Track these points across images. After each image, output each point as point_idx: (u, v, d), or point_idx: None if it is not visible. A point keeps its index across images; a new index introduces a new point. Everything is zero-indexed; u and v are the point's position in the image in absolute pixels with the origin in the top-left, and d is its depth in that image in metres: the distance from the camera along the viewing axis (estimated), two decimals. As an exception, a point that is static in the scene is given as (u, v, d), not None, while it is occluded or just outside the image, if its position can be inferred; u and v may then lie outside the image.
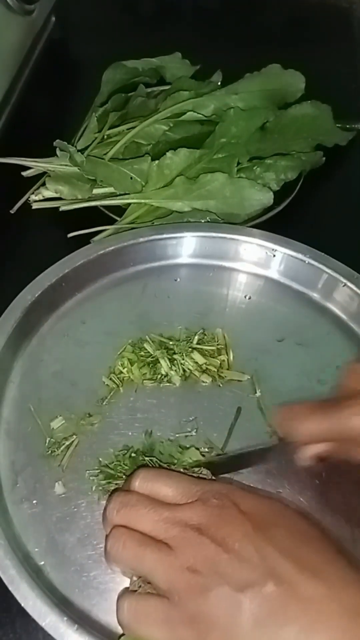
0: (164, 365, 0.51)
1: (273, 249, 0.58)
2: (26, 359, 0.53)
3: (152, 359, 0.52)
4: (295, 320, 0.57)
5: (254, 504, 0.37)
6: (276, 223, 0.63)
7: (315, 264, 0.57)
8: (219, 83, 0.72)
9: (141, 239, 0.58)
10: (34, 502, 0.46)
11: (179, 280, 0.59)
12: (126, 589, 0.38)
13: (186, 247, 0.60)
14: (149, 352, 0.53)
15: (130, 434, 0.49)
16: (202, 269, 0.60)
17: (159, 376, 0.52)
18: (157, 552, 0.35)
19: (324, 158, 0.69)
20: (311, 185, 0.67)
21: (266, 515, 0.36)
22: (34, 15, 0.78)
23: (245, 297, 0.58)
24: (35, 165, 0.66)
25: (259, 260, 0.59)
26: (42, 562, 0.43)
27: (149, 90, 0.74)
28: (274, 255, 0.58)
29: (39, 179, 0.66)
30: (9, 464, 0.47)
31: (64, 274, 0.55)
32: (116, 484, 0.45)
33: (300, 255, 0.57)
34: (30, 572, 0.41)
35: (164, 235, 0.59)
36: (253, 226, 0.62)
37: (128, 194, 0.63)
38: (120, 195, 0.63)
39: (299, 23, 0.96)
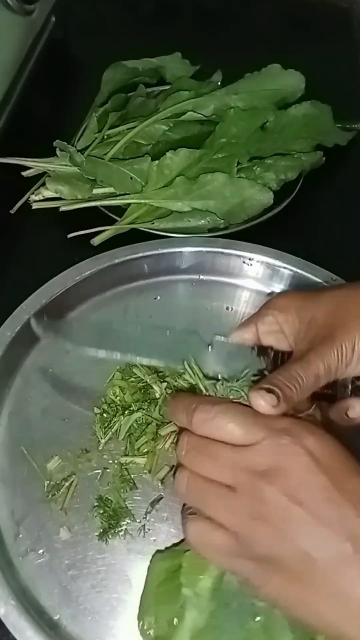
0: (157, 389, 0.49)
1: (250, 258, 0.58)
2: (12, 398, 0.51)
3: (143, 384, 0.50)
4: None
5: (325, 448, 0.34)
6: (276, 223, 0.63)
7: (293, 269, 0.56)
8: (219, 83, 0.72)
9: (116, 260, 0.56)
10: (40, 552, 0.43)
11: (159, 298, 0.58)
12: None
13: (163, 263, 0.59)
14: (139, 377, 0.50)
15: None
16: (182, 284, 0.59)
17: (152, 401, 0.49)
18: (222, 497, 0.35)
19: (324, 158, 0.69)
20: (311, 185, 0.67)
21: (340, 463, 0.34)
22: (34, 15, 0.78)
23: (227, 308, 0.57)
24: (35, 165, 0.66)
25: (236, 271, 0.59)
26: (57, 616, 0.41)
27: (149, 90, 0.74)
28: (251, 265, 0.58)
29: (39, 179, 0.66)
30: (8, 514, 0.45)
31: (42, 305, 0.53)
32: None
33: (276, 262, 0.57)
34: (47, 629, 0.39)
35: (140, 254, 0.57)
36: (253, 226, 0.62)
37: (128, 194, 0.63)
38: (120, 195, 0.63)
39: (299, 23, 0.96)
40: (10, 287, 0.59)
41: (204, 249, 0.58)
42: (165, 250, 0.58)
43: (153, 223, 0.61)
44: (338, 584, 0.32)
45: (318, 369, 0.39)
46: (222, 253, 0.58)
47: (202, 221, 0.61)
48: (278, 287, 0.58)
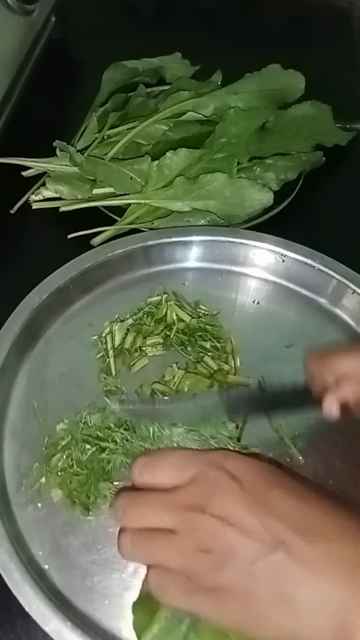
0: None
1: (282, 254, 0.58)
2: (33, 361, 0.53)
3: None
4: (304, 327, 0.56)
5: (247, 469, 0.37)
6: (276, 223, 0.63)
7: (325, 269, 0.57)
8: (219, 83, 0.72)
9: (149, 242, 0.58)
10: (39, 505, 0.46)
11: (187, 284, 0.59)
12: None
13: (194, 251, 0.59)
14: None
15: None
16: (211, 273, 0.60)
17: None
18: (164, 541, 0.36)
19: (324, 158, 0.69)
20: (311, 185, 0.67)
21: (262, 479, 0.37)
22: (34, 15, 0.78)
23: (253, 302, 0.58)
24: (35, 165, 0.66)
25: (268, 265, 0.59)
26: (46, 566, 0.43)
27: (149, 90, 0.74)
28: (283, 261, 0.58)
29: (39, 179, 0.66)
30: (14, 466, 0.48)
31: (72, 276, 0.55)
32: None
33: (309, 261, 0.57)
34: (34, 575, 0.41)
35: (172, 239, 0.58)
36: (253, 226, 0.62)
37: (128, 194, 0.63)
38: (120, 195, 0.63)
39: (299, 23, 0.96)
40: (10, 287, 0.59)
41: (237, 240, 0.58)
42: (197, 238, 0.59)
43: (153, 223, 0.61)
44: (281, 590, 0.33)
45: None
46: (254, 246, 0.58)
47: (202, 221, 0.61)
48: (306, 287, 0.58)
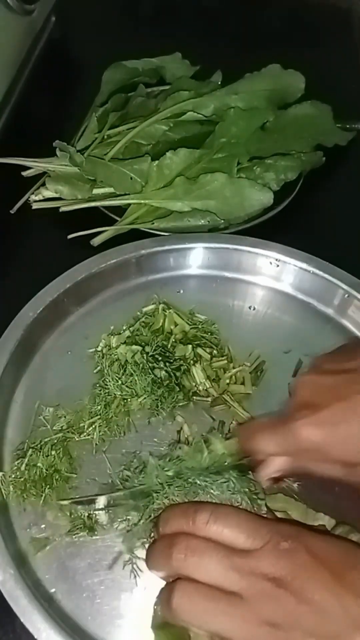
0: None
1: (277, 259, 0.57)
2: (29, 377, 0.52)
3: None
4: (302, 332, 0.56)
5: (326, 546, 0.36)
6: (276, 223, 0.63)
7: (320, 273, 0.56)
8: (219, 83, 0.72)
9: (142, 252, 0.57)
10: (42, 526, 0.45)
11: (182, 291, 0.58)
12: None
13: (189, 258, 0.59)
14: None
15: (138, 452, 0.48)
16: (206, 280, 0.59)
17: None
18: (231, 606, 0.34)
19: (324, 158, 0.69)
20: (311, 185, 0.67)
21: (340, 557, 0.35)
22: (34, 15, 0.78)
23: (250, 308, 0.58)
24: (35, 165, 0.66)
25: (262, 271, 0.59)
26: (53, 590, 0.42)
27: (149, 90, 0.74)
28: (278, 266, 0.58)
29: (39, 179, 0.66)
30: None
31: (66, 288, 0.54)
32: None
33: (304, 265, 0.57)
34: (42, 601, 0.40)
35: (166, 247, 0.58)
36: (253, 226, 0.62)
37: (128, 194, 0.63)
38: (120, 195, 0.63)
39: (299, 23, 0.96)
40: (10, 287, 0.59)
41: (230, 247, 0.58)
42: (192, 245, 0.58)
43: (153, 223, 0.61)
44: None
45: None
46: (248, 252, 0.58)
47: (202, 221, 0.61)
48: (303, 292, 0.58)
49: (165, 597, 0.36)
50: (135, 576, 0.43)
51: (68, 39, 0.91)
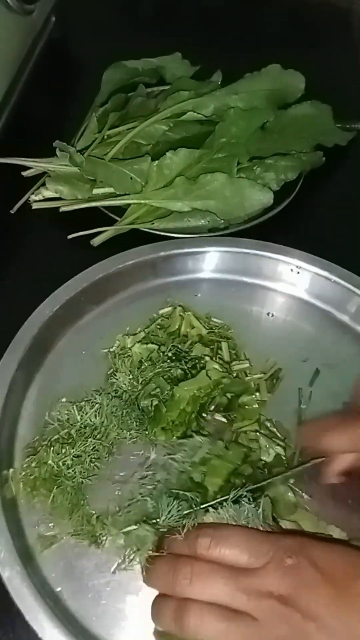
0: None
1: (297, 266, 0.57)
2: (43, 375, 0.52)
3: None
4: (320, 340, 0.55)
5: (330, 557, 0.35)
6: (276, 223, 0.63)
7: (342, 282, 0.55)
8: (219, 83, 0.72)
9: (162, 253, 0.57)
10: (50, 525, 0.44)
11: (199, 295, 0.58)
12: None
13: (207, 261, 0.59)
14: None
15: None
16: (224, 284, 0.59)
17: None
18: (243, 626, 0.34)
19: (324, 158, 0.69)
20: (311, 185, 0.67)
21: (345, 568, 0.35)
22: (34, 15, 0.78)
23: (268, 314, 0.57)
24: (35, 165, 0.66)
25: (282, 277, 0.58)
26: (59, 589, 0.42)
27: (149, 90, 0.74)
28: (298, 272, 0.57)
29: (39, 179, 0.66)
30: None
31: (83, 288, 0.54)
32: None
33: (325, 273, 0.56)
34: (48, 600, 0.40)
35: (185, 250, 0.58)
36: (253, 226, 0.62)
37: (128, 194, 0.63)
38: (120, 195, 0.63)
39: (299, 23, 0.96)
40: (10, 287, 0.59)
41: (250, 252, 0.58)
42: (211, 249, 0.58)
43: (153, 223, 0.61)
44: None
45: None
46: (269, 257, 0.57)
47: (202, 221, 0.61)
48: (322, 300, 0.57)
49: (175, 616, 0.35)
50: (142, 578, 0.42)
51: (68, 39, 0.91)
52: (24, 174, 0.67)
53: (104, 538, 0.44)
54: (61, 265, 0.56)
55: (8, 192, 0.66)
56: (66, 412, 0.48)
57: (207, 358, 0.51)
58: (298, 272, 0.57)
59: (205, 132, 0.66)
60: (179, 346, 0.52)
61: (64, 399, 0.49)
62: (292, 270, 0.57)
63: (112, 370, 0.52)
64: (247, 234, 0.61)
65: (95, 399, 0.49)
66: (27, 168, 0.66)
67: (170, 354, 0.51)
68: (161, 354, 0.51)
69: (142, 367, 0.51)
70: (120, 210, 0.63)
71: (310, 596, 0.34)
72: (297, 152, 0.66)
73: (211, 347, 0.53)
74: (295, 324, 0.56)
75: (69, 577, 0.43)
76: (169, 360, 0.51)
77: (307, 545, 0.36)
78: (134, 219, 0.62)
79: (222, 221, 0.61)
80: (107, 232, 0.61)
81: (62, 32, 0.89)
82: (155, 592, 0.40)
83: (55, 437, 0.47)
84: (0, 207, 0.65)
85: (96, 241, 0.61)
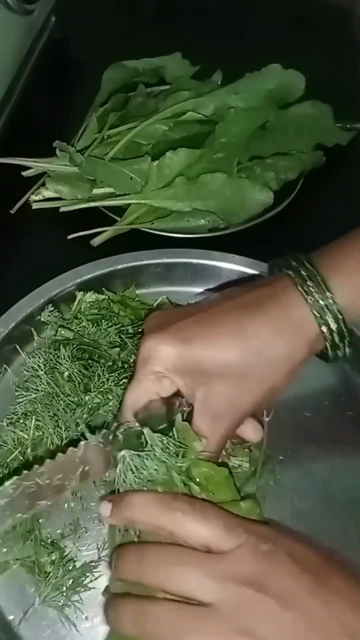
0: None
1: (259, 274, 0.55)
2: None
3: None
4: None
5: (305, 551, 0.34)
6: (276, 223, 0.63)
7: None
8: (219, 83, 0.72)
9: (119, 267, 0.56)
10: (4, 551, 0.42)
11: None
12: None
13: (165, 274, 0.57)
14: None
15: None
16: (183, 295, 0.57)
17: None
18: (198, 622, 0.31)
19: (324, 158, 0.69)
20: (311, 185, 0.67)
21: (321, 562, 0.34)
22: (34, 15, 0.78)
23: None
24: (35, 165, 0.66)
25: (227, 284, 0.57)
26: (11, 617, 0.40)
27: (149, 90, 0.74)
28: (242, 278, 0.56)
29: (39, 179, 0.66)
30: None
31: (40, 304, 0.53)
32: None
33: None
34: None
35: (143, 262, 0.56)
36: (253, 226, 0.62)
37: (128, 194, 0.63)
38: (120, 195, 0.63)
39: (299, 23, 0.96)
40: (10, 287, 0.59)
41: (210, 263, 0.56)
42: (169, 261, 0.57)
43: (153, 223, 0.61)
44: None
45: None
46: (228, 268, 0.56)
47: (202, 221, 0.61)
48: None
49: (135, 620, 0.33)
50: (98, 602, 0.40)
51: (68, 39, 0.91)
52: (24, 174, 0.67)
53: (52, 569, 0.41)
54: (61, 266, 0.56)
55: (8, 192, 0.66)
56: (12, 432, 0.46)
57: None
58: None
59: (205, 132, 0.66)
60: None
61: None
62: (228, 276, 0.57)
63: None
64: (247, 233, 0.61)
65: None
66: (27, 168, 0.66)
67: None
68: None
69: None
70: (120, 210, 0.63)
71: (286, 583, 0.32)
72: (297, 152, 0.66)
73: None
74: None
75: (23, 603, 0.41)
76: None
77: (282, 535, 0.35)
78: (134, 219, 0.62)
79: (222, 221, 0.61)
80: (107, 232, 0.61)
81: (62, 32, 0.89)
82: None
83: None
84: (0, 207, 0.65)
85: (96, 241, 0.61)
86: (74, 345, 0.49)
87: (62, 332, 0.51)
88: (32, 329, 0.53)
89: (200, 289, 0.58)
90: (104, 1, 0.97)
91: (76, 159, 0.63)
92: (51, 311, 0.53)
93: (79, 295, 0.54)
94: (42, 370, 0.48)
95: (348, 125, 0.73)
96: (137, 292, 0.57)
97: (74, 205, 0.63)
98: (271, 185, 0.63)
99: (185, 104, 0.67)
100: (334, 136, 0.70)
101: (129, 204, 0.63)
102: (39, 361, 0.48)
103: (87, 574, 0.41)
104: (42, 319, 0.53)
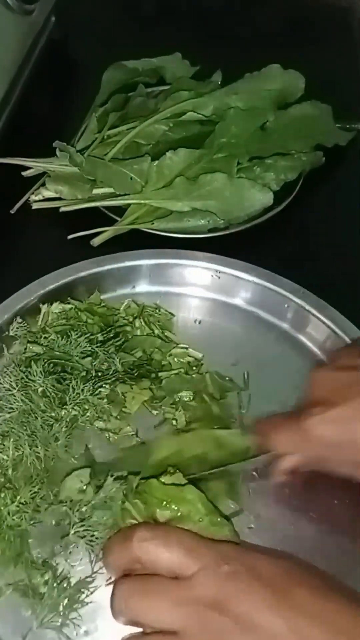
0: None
1: (217, 271, 0.57)
2: None
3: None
4: (248, 342, 0.55)
5: (267, 564, 0.34)
6: (276, 223, 0.63)
7: (261, 282, 0.55)
8: (219, 83, 0.72)
9: (81, 274, 0.56)
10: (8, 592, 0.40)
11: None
12: None
13: (129, 277, 0.57)
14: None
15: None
16: (148, 297, 0.57)
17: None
18: None
19: (323, 158, 0.69)
20: (311, 185, 0.67)
21: (282, 576, 0.34)
22: (34, 15, 0.78)
23: (195, 321, 0.56)
24: (35, 165, 0.66)
25: (204, 283, 0.58)
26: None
27: (149, 90, 0.74)
28: (219, 277, 0.57)
29: (39, 179, 0.66)
30: None
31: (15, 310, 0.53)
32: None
33: (245, 275, 0.56)
34: None
35: (106, 268, 0.56)
36: (253, 226, 0.62)
37: (128, 194, 0.63)
38: (120, 195, 0.63)
39: (299, 23, 0.96)
40: (10, 287, 0.59)
41: (171, 262, 0.57)
42: (131, 263, 0.57)
43: (153, 223, 0.61)
44: None
45: None
46: (189, 265, 0.57)
47: (202, 221, 0.61)
48: (244, 299, 0.57)
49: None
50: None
51: (68, 39, 0.91)
52: (24, 174, 0.67)
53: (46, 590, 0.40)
54: (61, 266, 0.56)
55: (8, 192, 0.66)
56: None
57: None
58: (219, 277, 0.57)
59: (205, 132, 0.66)
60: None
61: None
62: (212, 275, 0.57)
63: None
64: (246, 233, 0.61)
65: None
66: (27, 168, 0.66)
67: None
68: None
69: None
70: (120, 210, 0.63)
71: (247, 603, 0.32)
72: (297, 152, 0.66)
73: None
74: (222, 328, 0.56)
75: (21, 628, 0.39)
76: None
77: (243, 552, 0.35)
78: (134, 219, 0.62)
79: (222, 221, 0.61)
80: (107, 232, 0.61)
81: (62, 32, 0.89)
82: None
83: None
84: (0, 207, 0.65)
85: (96, 241, 0.61)
86: (45, 360, 0.48)
87: (32, 347, 0.50)
88: (3, 345, 0.52)
89: (163, 289, 0.58)
90: (104, 1, 0.97)
91: (76, 159, 0.63)
92: (20, 323, 0.52)
93: (44, 308, 0.54)
94: (14, 388, 0.46)
95: (347, 126, 0.73)
96: (102, 297, 0.56)
97: (74, 205, 0.63)
98: (271, 185, 0.63)
99: (185, 104, 0.67)
100: (333, 136, 0.70)
101: (129, 204, 0.63)
102: (10, 380, 0.47)
103: (83, 590, 0.40)
104: (11, 334, 0.52)
